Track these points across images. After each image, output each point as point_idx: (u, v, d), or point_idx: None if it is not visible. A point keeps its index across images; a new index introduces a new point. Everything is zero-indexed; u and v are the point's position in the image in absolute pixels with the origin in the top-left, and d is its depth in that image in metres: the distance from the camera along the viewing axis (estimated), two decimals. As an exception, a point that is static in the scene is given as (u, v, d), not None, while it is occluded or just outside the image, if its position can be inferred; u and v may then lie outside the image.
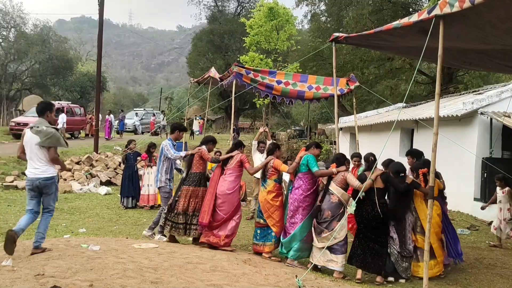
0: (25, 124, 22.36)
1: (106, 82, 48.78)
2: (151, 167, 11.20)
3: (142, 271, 5.16)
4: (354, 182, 6.41)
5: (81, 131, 26.59)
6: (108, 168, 15.35)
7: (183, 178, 7.68)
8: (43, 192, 5.72)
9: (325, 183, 6.82)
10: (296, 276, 5.67)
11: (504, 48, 5.86)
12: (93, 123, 21.34)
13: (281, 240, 6.97)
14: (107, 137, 25.10)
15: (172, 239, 7.45)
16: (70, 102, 29.22)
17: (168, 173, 7.90)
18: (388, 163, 6.96)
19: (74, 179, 13.67)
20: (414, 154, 7.40)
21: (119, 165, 15.86)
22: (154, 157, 11.20)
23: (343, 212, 6.48)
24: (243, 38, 24.87)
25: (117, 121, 28.36)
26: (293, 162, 7.21)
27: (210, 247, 7.13)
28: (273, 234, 7.00)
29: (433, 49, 5.38)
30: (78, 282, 4.48)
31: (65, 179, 13.58)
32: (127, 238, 7.74)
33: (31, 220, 5.73)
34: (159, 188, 8.03)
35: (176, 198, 7.44)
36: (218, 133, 39.22)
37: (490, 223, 10.73)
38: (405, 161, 7.29)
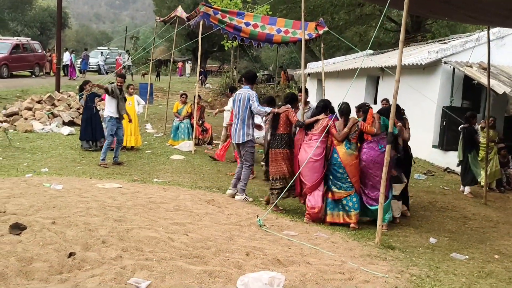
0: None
1: (67, 18, 46.74)
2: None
3: (105, 210, 5.21)
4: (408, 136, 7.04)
5: (43, 69, 25.59)
6: (71, 108, 14.99)
7: (268, 140, 7.14)
8: None
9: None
10: (258, 215, 5.85)
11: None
12: (54, 61, 20.55)
13: (372, 207, 6.32)
14: (72, 77, 24.20)
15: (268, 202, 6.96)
16: (29, 39, 27.86)
17: (253, 126, 7.20)
18: (361, 106, 6.98)
19: (36, 119, 13.31)
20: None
21: (79, 108, 15.50)
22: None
23: None
24: (212, -24, 23.94)
25: (80, 60, 27.35)
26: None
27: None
28: (358, 199, 6.40)
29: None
30: (41, 220, 4.49)
31: (26, 118, 13.22)
32: (90, 178, 7.72)
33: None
34: (244, 142, 7.03)
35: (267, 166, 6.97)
36: (182, 75, 38.59)
37: (446, 169, 11.22)
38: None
